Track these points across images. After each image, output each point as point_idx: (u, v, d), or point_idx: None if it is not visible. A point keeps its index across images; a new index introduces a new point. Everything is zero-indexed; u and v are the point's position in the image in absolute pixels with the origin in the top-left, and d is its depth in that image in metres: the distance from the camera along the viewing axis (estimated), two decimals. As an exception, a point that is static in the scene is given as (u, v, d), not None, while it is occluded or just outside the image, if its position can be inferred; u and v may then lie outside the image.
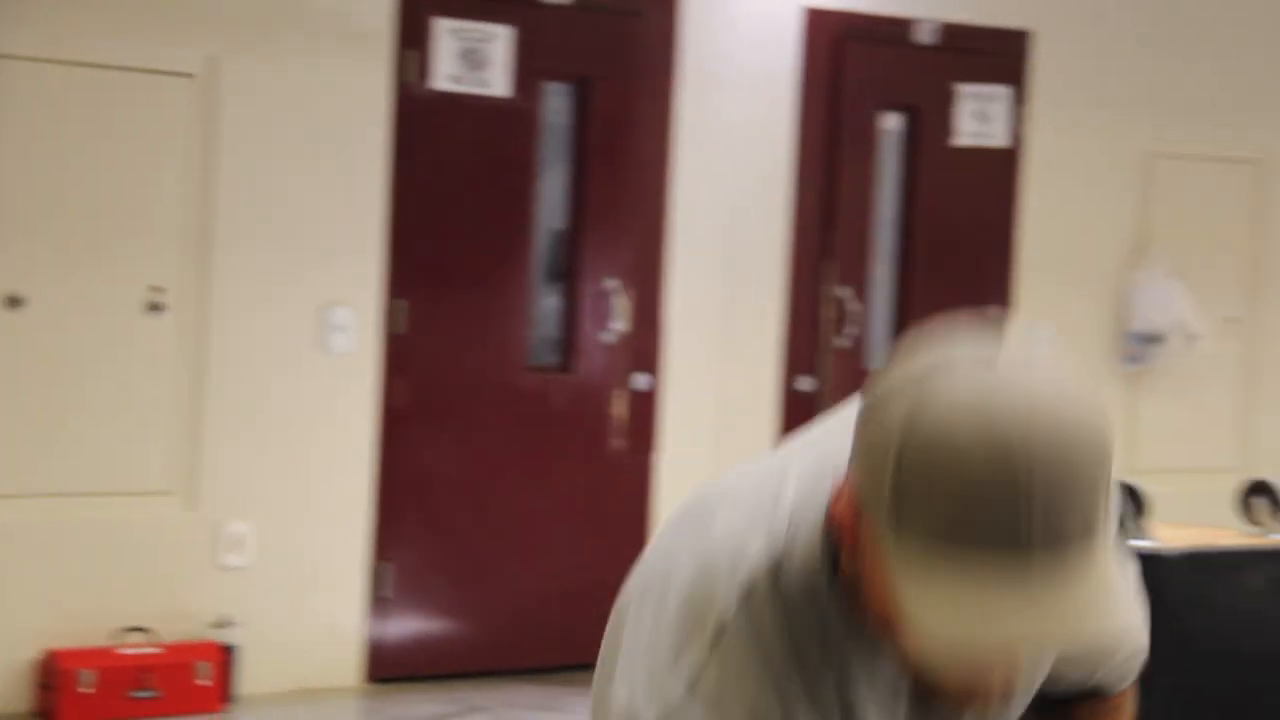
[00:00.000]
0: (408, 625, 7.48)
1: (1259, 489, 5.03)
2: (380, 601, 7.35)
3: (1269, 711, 4.72)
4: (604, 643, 1.92)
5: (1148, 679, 4.47)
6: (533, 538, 7.72)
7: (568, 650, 7.79)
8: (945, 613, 1.56)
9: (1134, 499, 4.76)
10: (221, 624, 6.88)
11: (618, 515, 7.89)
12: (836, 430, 1.81)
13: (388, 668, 7.40)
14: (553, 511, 7.76)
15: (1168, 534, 4.80)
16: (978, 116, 8.53)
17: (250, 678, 6.95)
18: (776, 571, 1.73)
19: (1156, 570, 4.64)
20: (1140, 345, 8.93)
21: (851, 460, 1.66)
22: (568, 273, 7.81)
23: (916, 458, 1.56)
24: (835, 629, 1.75)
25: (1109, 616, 1.60)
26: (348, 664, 7.27)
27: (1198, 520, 5.26)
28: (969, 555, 1.55)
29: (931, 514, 1.56)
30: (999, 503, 1.54)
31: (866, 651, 1.76)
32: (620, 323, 7.80)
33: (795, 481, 1.79)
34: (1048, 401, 1.58)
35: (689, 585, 1.75)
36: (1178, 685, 4.62)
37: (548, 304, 7.85)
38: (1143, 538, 4.67)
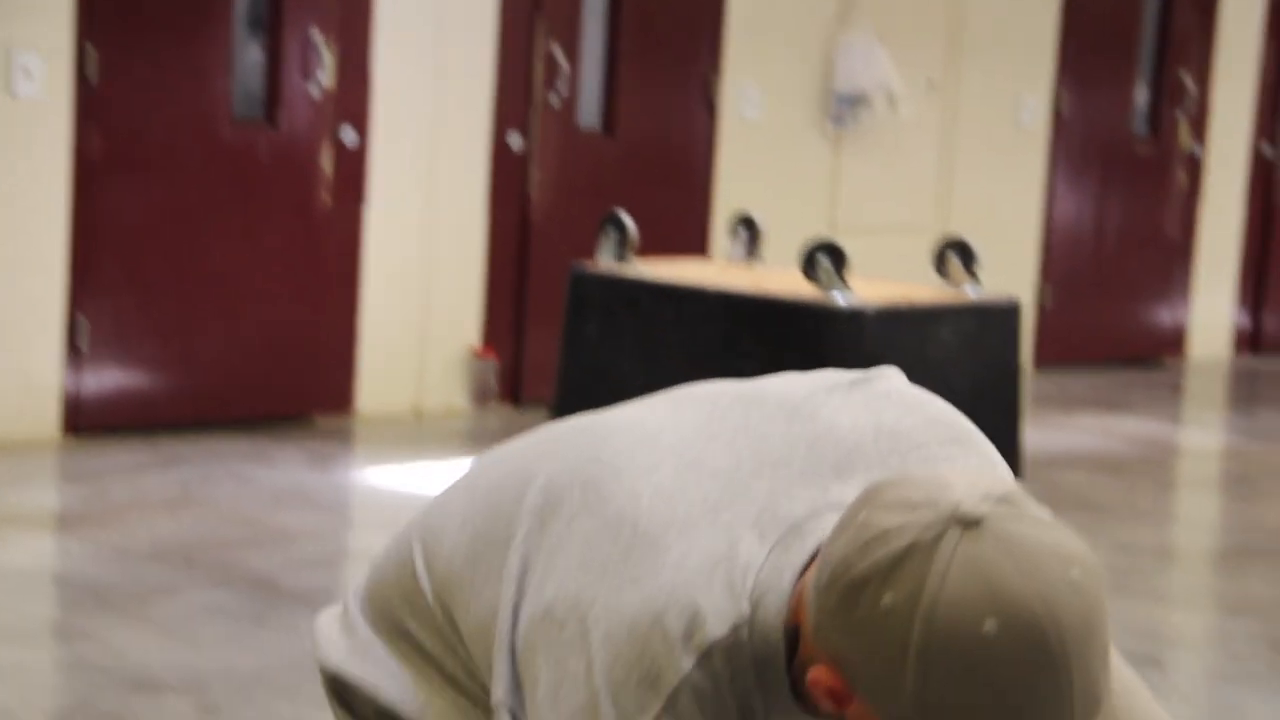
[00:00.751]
0: (108, 378, 7.28)
1: (953, 247, 5.07)
2: (77, 354, 7.13)
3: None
4: (476, 600, 1.77)
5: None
6: (238, 291, 7.55)
7: (273, 403, 7.72)
8: None
9: (835, 256, 4.75)
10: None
11: (325, 270, 7.76)
12: (772, 475, 1.66)
13: (88, 420, 7.21)
14: (259, 265, 7.60)
15: (867, 289, 4.82)
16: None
17: (-56, 433, 6.73)
18: (735, 640, 1.59)
19: (856, 323, 4.65)
20: (845, 106, 8.96)
21: (825, 631, 1.48)
22: (270, 23, 7.53)
23: (943, 666, 1.42)
24: (777, 703, 1.62)
25: None
26: (45, 416, 7.07)
27: (896, 277, 5.30)
28: None
29: (968, 714, 1.43)
30: (1040, 693, 1.43)
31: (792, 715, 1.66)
32: (326, 76, 7.57)
33: (746, 547, 1.61)
34: (1045, 555, 1.44)
35: (632, 635, 1.59)
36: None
37: (250, 55, 7.57)
38: (844, 293, 4.67)
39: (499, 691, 1.69)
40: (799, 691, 1.60)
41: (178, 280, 7.39)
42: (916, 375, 4.66)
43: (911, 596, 1.42)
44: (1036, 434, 7.24)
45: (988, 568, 1.42)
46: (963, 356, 4.81)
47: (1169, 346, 10.66)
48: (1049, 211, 10.09)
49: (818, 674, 1.51)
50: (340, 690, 1.92)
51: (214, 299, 7.48)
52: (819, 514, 1.62)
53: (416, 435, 7.80)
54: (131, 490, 6.65)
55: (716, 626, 1.58)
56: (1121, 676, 1.71)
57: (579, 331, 5.12)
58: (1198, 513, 7.81)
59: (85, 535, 6.07)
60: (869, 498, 1.50)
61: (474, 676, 1.81)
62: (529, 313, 8.24)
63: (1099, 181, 10.23)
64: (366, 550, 6.34)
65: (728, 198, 8.46)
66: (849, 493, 1.60)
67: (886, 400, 1.76)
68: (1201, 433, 9.22)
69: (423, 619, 1.84)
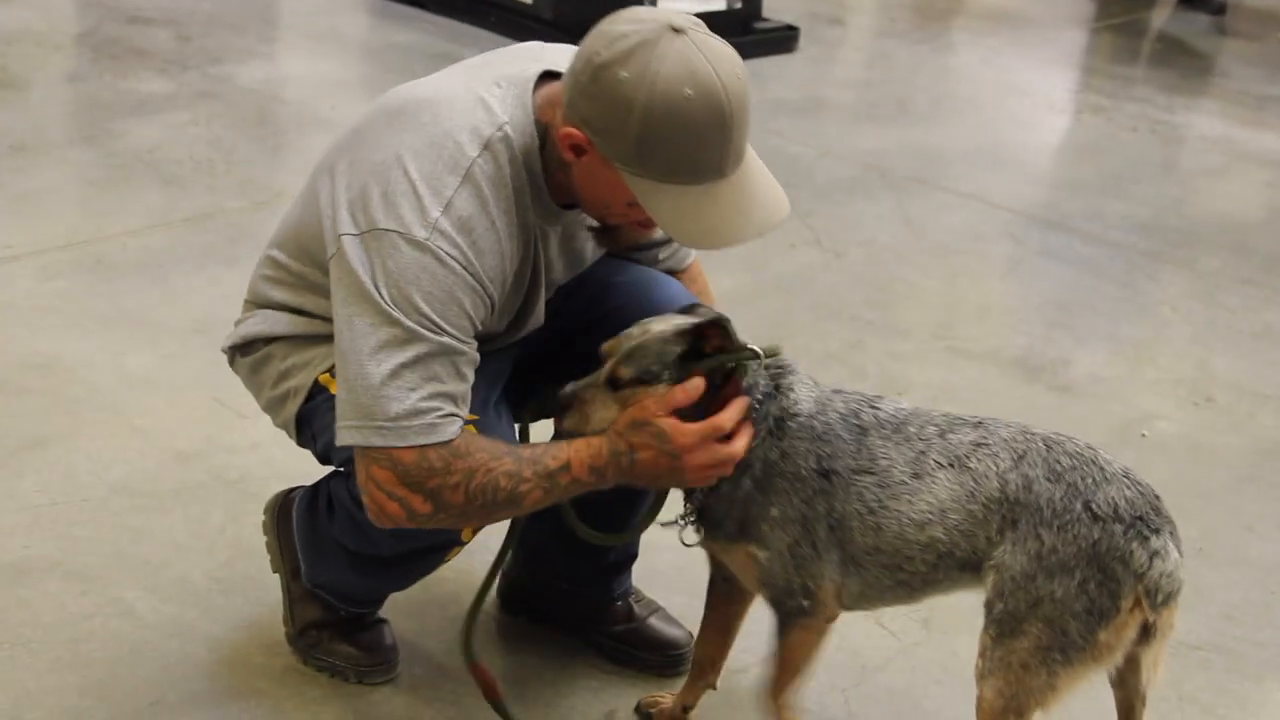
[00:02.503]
0: None
1: None
2: None
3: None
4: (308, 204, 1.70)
5: None
6: None
7: None
8: (691, 221, 1.57)
9: None
10: None
11: None
12: (497, 61, 1.72)
13: None
14: None
15: None
16: None
17: None
18: (504, 136, 1.63)
19: None
20: None
21: (575, 103, 1.57)
22: None
23: (659, 115, 1.53)
24: (539, 194, 1.66)
25: (783, 197, 1.62)
26: None
27: None
28: (696, 183, 1.56)
29: (668, 158, 1.54)
30: (720, 147, 1.55)
31: (553, 217, 1.70)
32: None
33: (488, 92, 1.66)
34: (723, 56, 1.56)
35: (430, 147, 1.61)
36: None
37: None
38: None
39: (342, 228, 1.62)
40: (551, 185, 1.66)
41: None
42: None
43: (639, 72, 1.53)
44: None
45: (688, 57, 1.54)
46: None
47: None
48: None
49: (568, 131, 1.59)
50: (244, 351, 1.84)
51: None
52: (525, 70, 1.68)
53: None
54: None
55: (488, 128, 1.63)
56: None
57: None
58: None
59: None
60: (609, 20, 1.59)
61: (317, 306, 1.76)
62: None
63: None
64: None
65: None
66: (531, 67, 1.69)
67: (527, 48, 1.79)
68: None
69: (287, 285, 1.78)
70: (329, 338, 1.73)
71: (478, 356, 1.64)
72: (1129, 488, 1.61)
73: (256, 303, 1.83)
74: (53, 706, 1.85)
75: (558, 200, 1.69)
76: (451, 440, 1.60)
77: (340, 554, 1.82)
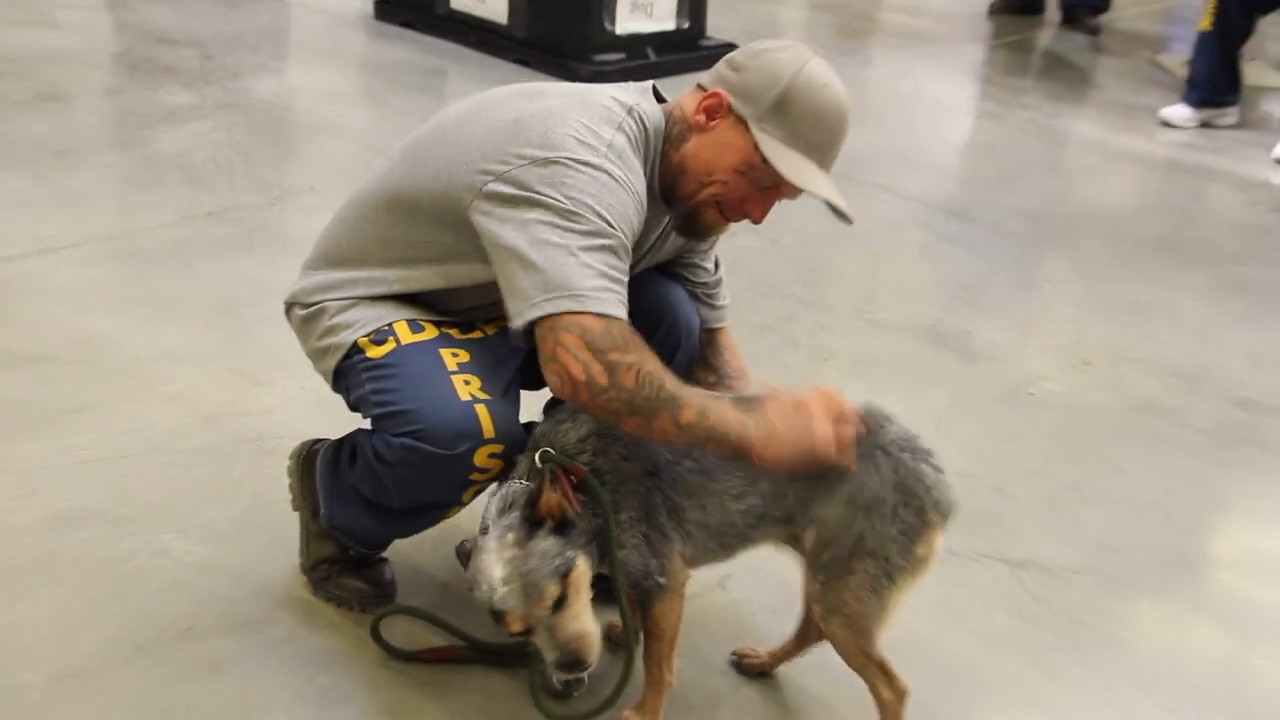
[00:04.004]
0: None
1: None
2: None
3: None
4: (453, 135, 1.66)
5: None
6: None
7: None
8: (800, 170, 1.65)
9: None
10: None
11: None
12: (609, 91, 1.71)
13: None
14: None
15: None
16: None
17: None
18: (639, 111, 1.67)
19: None
20: None
21: (725, 77, 1.66)
22: None
23: (802, 88, 1.63)
24: (651, 174, 1.70)
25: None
26: None
27: None
28: (806, 157, 1.65)
29: (795, 124, 1.64)
30: (832, 138, 1.66)
31: (648, 199, 1.70)
32: None
33: (614, 94, 1.69)
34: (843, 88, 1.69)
35: (581, 106, 1.63)
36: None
37: None
38: None
39: (500, 168, 1.59)
40: (661, 168, 1.69)
41: None
42: None
43: (794, 58, 1.64)
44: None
45: (830, 72, 1.66)
46: None
47: None
48: None
49: (712, 93, 1.65)
50: (303, 305, 1.78)
51: None
52: (640, 82, 1.75)
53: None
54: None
55: (629, 99, 1.68)
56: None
57: None
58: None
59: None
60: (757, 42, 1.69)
61: (409, 257, 1.72)
62: None
63: None
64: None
65: None
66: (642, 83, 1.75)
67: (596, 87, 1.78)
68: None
69: (372, 245, 1.73)
70: (380, 299, 1.72)
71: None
72: (898, 426, 1.64)
73: (324, 263, 1.79)
74: (99, 635, 1.84)
75: (658, 184, 1.71)
76: (626, 323, 1.55)
77: (358, 501, 1.81)
